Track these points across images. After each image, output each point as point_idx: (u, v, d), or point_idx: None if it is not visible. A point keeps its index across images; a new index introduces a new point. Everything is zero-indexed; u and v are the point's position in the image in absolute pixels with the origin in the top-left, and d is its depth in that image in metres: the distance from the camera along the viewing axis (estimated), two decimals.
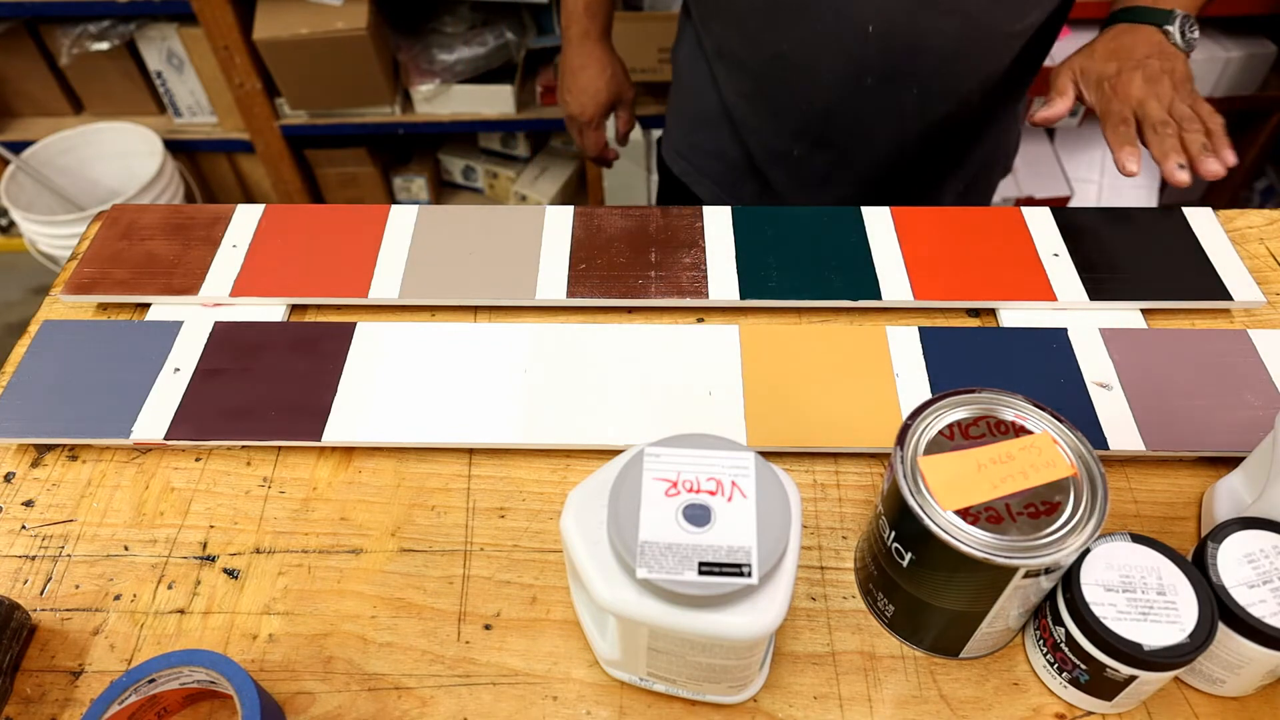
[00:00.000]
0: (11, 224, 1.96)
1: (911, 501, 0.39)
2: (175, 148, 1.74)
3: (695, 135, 0.90)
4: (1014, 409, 0.42)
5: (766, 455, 0.53)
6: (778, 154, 0.83)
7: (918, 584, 0.42)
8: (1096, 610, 0.40)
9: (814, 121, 0.79)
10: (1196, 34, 0.68)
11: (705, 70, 0.84)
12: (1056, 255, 0.62)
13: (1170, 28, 0.67)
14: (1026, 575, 0.38)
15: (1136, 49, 0.66)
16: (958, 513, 0.39)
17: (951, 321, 0.61)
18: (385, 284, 0.62)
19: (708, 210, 0.66)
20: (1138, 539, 0.43)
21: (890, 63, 0.72)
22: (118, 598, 0.49)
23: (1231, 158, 0.60)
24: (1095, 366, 0.56)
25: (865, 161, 0.82)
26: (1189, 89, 0.64)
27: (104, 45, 1.60)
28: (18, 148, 1.67)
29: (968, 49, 0.72)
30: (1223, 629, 0.41)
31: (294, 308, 0.62)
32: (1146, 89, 0.63)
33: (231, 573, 0.50)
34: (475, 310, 0.62)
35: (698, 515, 0.37)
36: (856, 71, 0.73)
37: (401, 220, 0.66)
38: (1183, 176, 0.59)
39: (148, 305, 0.62)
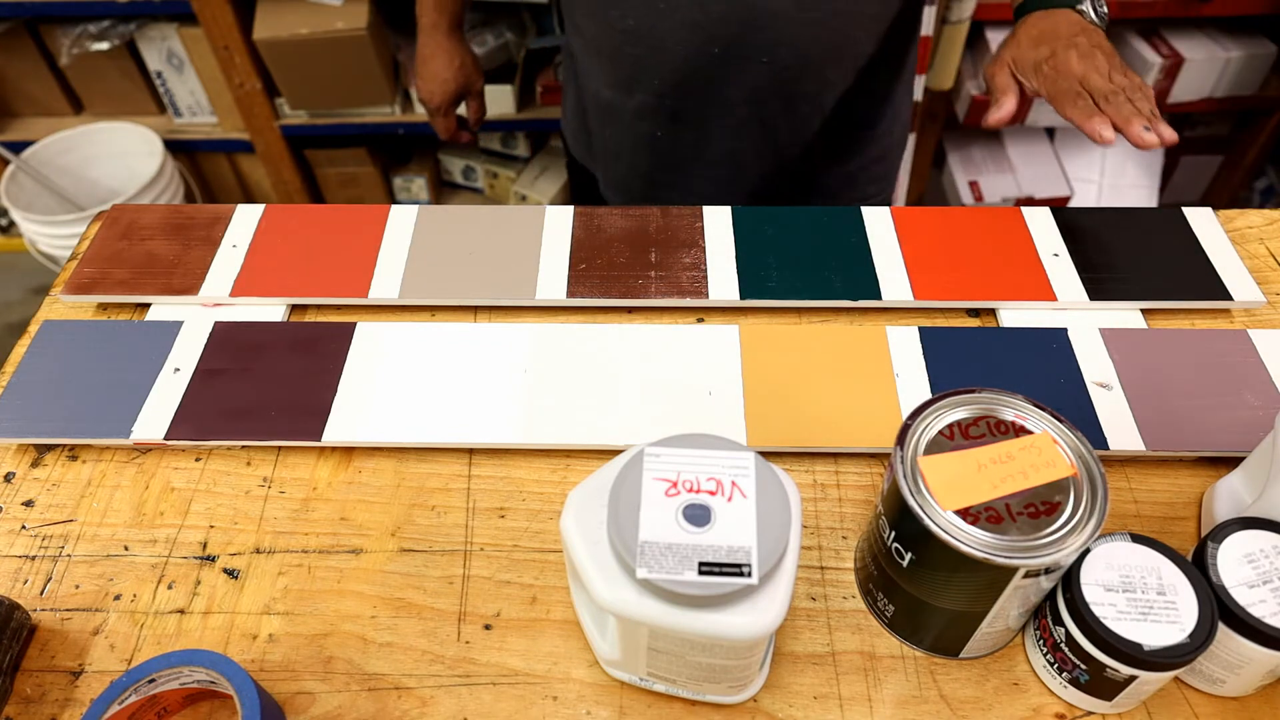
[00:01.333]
0: (11, 224, 1.96)
1: (911, 501, 0.39)
2: (175, 148, 1.74)
3: (582, 127, 0.92)
4: (1014, 409, 0.42)
5: (766, 455, 0.52)
6: (645, 139, 0.84)
7: (918, 584, 0.42)
8: (1096, 610, 0.40)
9: (669, 99, 0.79)
10: (1106, 9, 0.68)
11: (576, 64, 0.86)
12: (1056, 255, 0.62)
13: (1083, 7, 0.67)
14: (1026, 575, 0.39)
15: (1060, 30, 0.65)
16: (958, 513, 0.39)
17: (951, 321, 0.61)
18: (385, 284, 0.62)
19: (708, 210, 0.66)
20: (1138, 539, 0.43)
21: (733, 30, 0.73)
22: (118, 598, 0.49)
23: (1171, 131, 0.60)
24: (1095, 366, 0.56)
25: (729, 145, 0.82)
26: (1120, 62, 0.63)
27: (104, 45, 1.60)
28: (18, 148, 1.67)
29: (810, 15, 0.72)
30: (1223, 629, 0.41)
31: (294, 308, 0.62)
32: (1084, 64, 0.62)
33: (231, 573, 0.50)
34: (475, 310, 0.62)
35: (698, 515, 0.37)
36: (701, 41, 0.74)
37: (401, 220, 0.66)
38: (1150, 138, 0.58)
39: (148, 305, 0.62)
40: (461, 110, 1.06)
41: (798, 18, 0.72)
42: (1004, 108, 0.65)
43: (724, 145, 0.82)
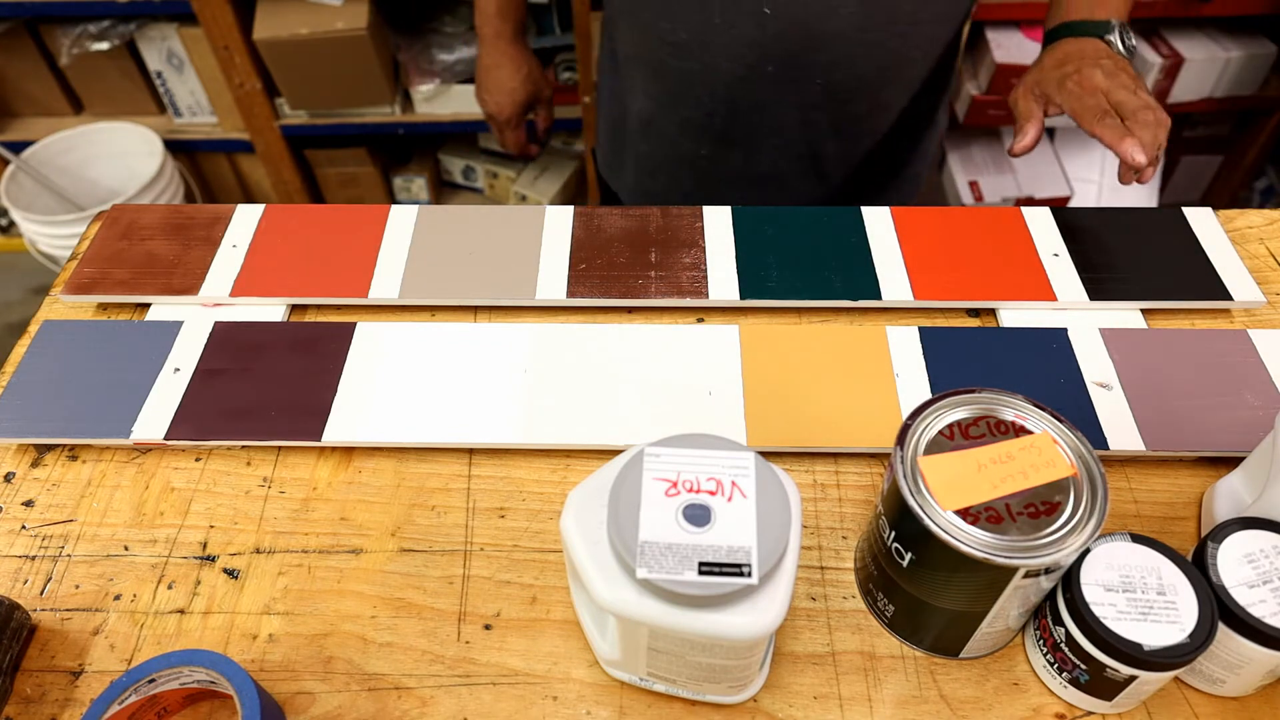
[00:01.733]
0: (11, 224, 1.96)
1: (911, 501, 0.39)
2: (175, 148, 1.74)
3: (616, 143, 0.90)
4: (1014, 409, 0.42)
5: (766, 455, 0.52)
6: (687, 157, 0.83)
7: (918, 584, 0.42)
8: (1096, 610, 0.40)
9: (718, 117, 0.78)
10: (1134, 42, 0.69)
11: (617, 77, 0.84)
12: (1056, 255, 0.62)
13: (1110, 37, 0.68)
14: (1026, 575, 0.39)
15: (1085, 53, 0.66)
16: (958, 513, 0.39)
17: (951, 321, 0.61)
18: (385, 284, 0.62)
19: (708, 210, 0.66)
20: (1138, 539, 0.43)
21: (789, 48, 0.71)
22: (118, 598, 0.49)
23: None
24: (1095, 366, 0.56)
25: (775, 162, 0.81)
26: (1145, 86, 0.63)
27: (104, 45, 1.60)
28: (18, 148, 1.67)
29: (869, 36, 0.71)
30: (1223, 629, 0.41)
31: (294, 308, 0.62)
32: (1110, 80, 0.62)
33: (231, 573, 0.50)
34: (475, 310, 0.62)
35: (698, 515, 0.37)
36: (756, 59, 0.72)
37: (401, 220, 0.66)
38: (1149, 175, 0.59)
39: (148, 305, 0.62)
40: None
41: (857, 38, 0.71)
42: (1027, 135, 0.65)
43: (770, 164, 0.81)
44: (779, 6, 0.69)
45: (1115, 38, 0.68)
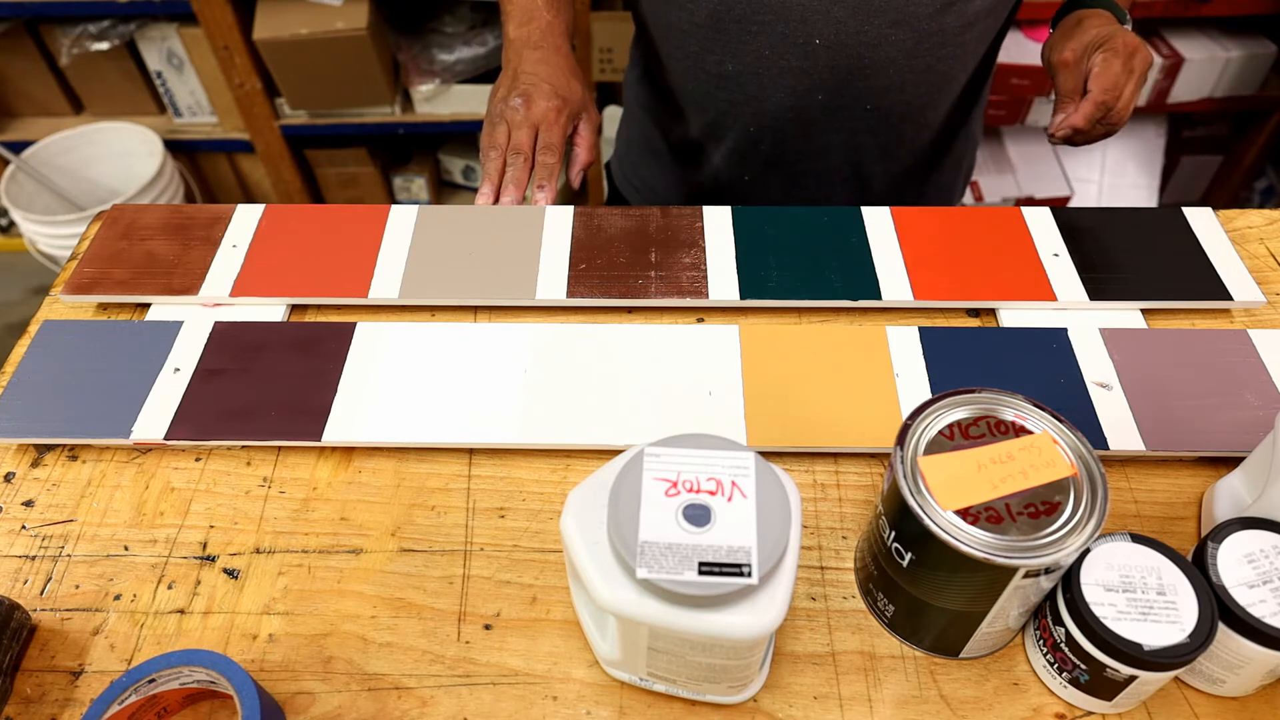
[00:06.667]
0: (11, 224, 1.96)
1: (911, 501, 0.39)
2: (175, 148, 1.74)
3: (644, 166, 0.89)
4: (1014, 409, 0.42)
5: (766, 455, 0.52)
6: (729, 181, 0.82)
7: (918, 584, 0.42)
8: (1096, 610, 0.40)
9: (764, 143, 0.77)
10: (1129, 26, 0.73)
11: (654, 99, 0.83)
12: (1056, 255, 0.62)
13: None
14: (1026, 575, 0.39)
15: (1114, 32, 0.70)
16: (958, 513, 0.39)
17: (951, 321, 0.61)
18: (385, 284, 0.62)
19: (708, 210, 0.66)
20: (1138, 539, 0.43)
21: (840, 78, 0.71)
22: (118, 598, 0.49)
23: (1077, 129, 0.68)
24: (1095, 366, 0.56)
25: (820, 186, 0.81)
26: (1131, 61, 0.68)
27: (104, 45, 1.60)
28: (18, 148, 1.67)
29: (919, 62, 0.71)
30: (1223, 629, 0.41)
31: (294, 308, 0.62)
32: (1103, 29, 0.69)
33: (231, 573, 0.50)
34: (475, 310, 0.62)
35: (698, 515, 0.37)
36: (806, 89, 0.72)
37: (401, 220, 0.66)
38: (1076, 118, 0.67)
39: (148, 305, 0.62)
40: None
41: (907, 64, 0.70)
42: (1076, 114, 0.68)
43: (814, 189, 0.81)
44: (829, 37, 0.68)
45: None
